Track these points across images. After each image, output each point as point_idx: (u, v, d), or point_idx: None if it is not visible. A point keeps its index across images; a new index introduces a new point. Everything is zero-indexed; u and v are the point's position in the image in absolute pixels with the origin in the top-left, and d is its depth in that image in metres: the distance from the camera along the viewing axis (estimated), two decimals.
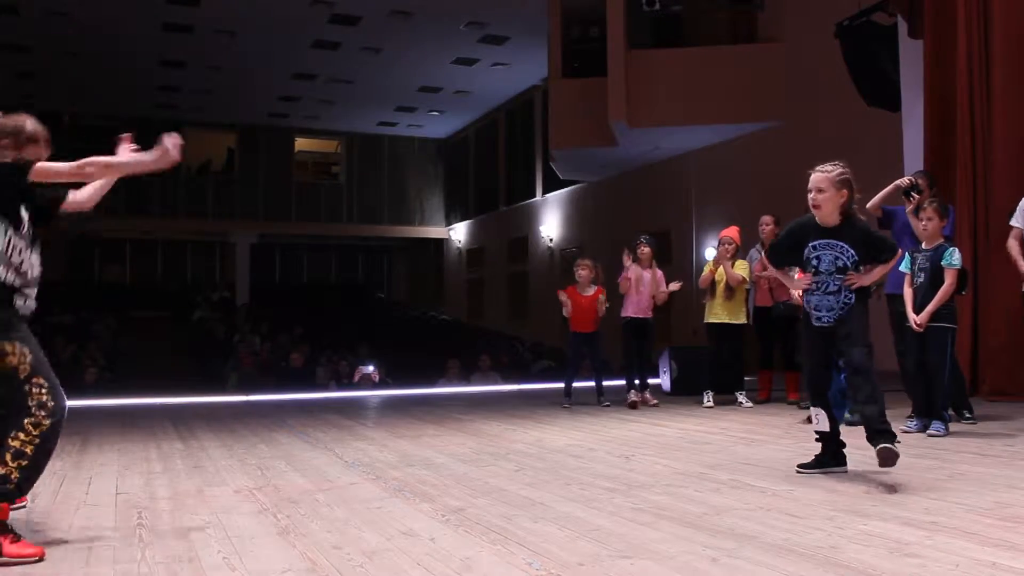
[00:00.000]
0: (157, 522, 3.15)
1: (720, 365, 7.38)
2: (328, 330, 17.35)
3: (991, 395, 6.97)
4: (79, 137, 21.80)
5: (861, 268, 3.81)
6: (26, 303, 2.87)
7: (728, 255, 7.23)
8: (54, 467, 4.48)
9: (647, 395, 7.48)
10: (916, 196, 5.57)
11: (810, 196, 3.79)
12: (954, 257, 5.02)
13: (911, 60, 8.37)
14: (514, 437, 5.52)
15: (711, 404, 7.21)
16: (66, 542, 2.88)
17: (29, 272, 2.88)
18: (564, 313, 7.67)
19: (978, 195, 7.37)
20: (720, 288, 7.27)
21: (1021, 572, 2.33)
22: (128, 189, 22.79)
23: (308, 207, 23.99)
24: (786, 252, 4.05)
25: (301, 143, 24.67)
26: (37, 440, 2.56)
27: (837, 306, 3.78)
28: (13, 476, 2.50)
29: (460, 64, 17.93)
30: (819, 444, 3.92)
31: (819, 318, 3.83)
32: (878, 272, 3.85)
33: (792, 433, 5.42)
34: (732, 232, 7.37)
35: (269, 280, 25.27)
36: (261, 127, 23.13)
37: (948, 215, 5.26)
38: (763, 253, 7.45)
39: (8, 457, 2.52)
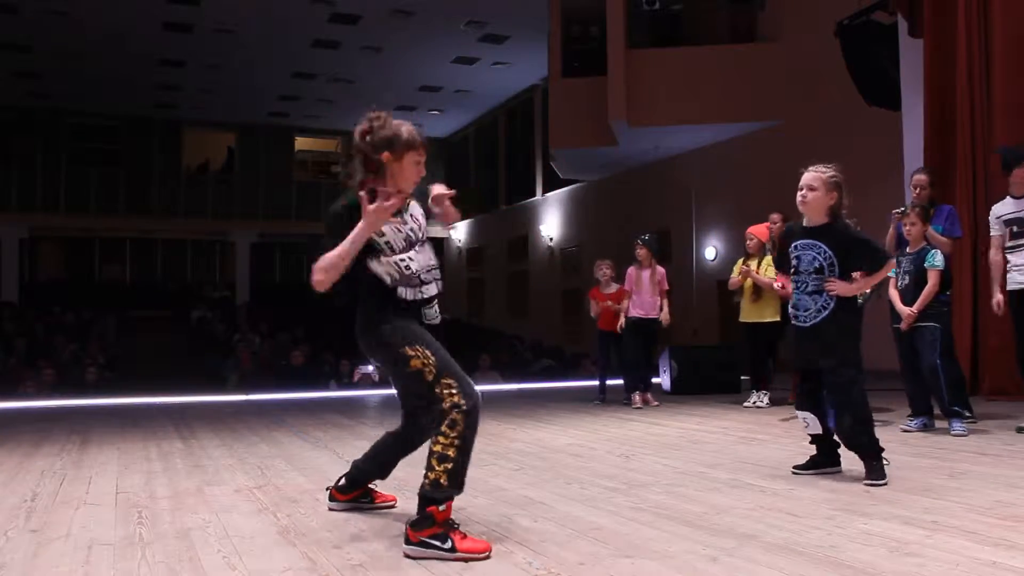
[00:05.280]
0: (157, 521, 3.15)
1: (757, 362, 7.28)
2: (328, 330, 17.30)
3: (991, 394, 6.98)
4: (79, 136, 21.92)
5: (846, 274, 3.73)
6: (433, 309, 2.90)
7: (751, 251, 7.13)
8: (54, 466, 4.49)
9: (649, 395, 7.49)
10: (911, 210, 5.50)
11: (800, 193, 3.80)
12: (936, 259, 5.11)
13: (911, 59, 8.36)
14: (514, 436, 5.53)
15: (764, 404, 7.04)
16: (66, 542, 2.88)
17: (420, 268, 2.86)
18: (591, 314, 7.83)
19: (978, 195, 7.37)
20: (747, 290, 7.20)
21: (1021, 571, 2.33)
22: (128, 188, 22.85)
23: (308, 206, 23.99)
24: (782, 255, 4.07)
25: (301, 142, 24.67)
26: (457, 441, 2.60)
27: (815, 307, 3.75)
28: (443, 480, 2.59)
29: (460, 63, 17.94)
30: (813, 445, 3.93)
31: (796, 317, 3.85)
32: (864, 282, 3.77)
33: (792, 433, 5.42)
34: (756, 229, 7.18)
35: (269, 279, 25.27)
36: (261, 126, 23.14)
37: (930, 220, 5.37)
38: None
39: (434, 462, 2.61)
